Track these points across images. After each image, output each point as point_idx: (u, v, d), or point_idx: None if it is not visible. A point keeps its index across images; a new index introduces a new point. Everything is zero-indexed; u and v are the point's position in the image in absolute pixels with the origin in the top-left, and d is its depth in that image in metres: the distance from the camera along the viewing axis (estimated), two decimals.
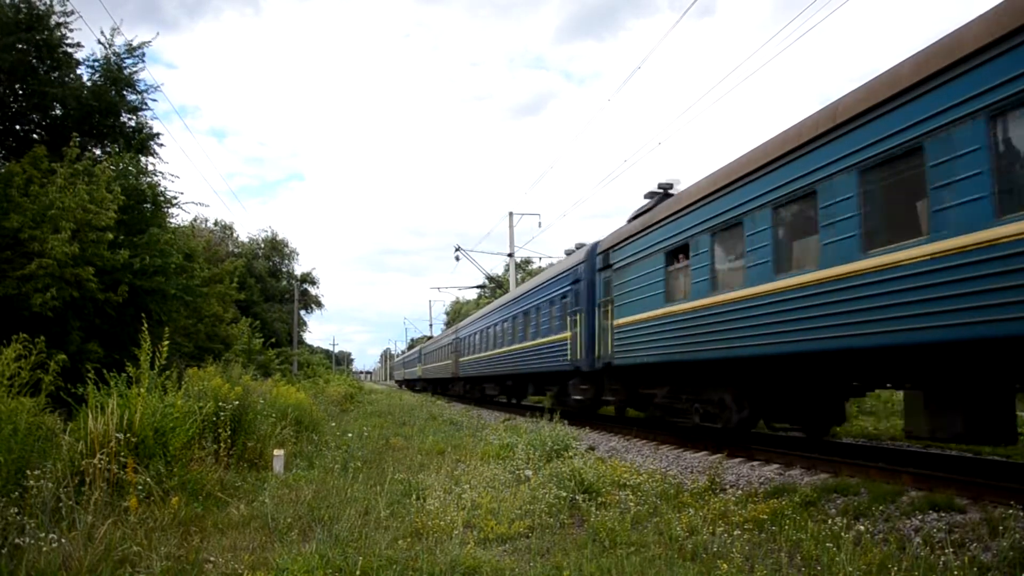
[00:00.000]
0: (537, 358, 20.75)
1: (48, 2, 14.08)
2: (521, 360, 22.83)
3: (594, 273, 16.31)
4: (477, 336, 31.35)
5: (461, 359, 35.17)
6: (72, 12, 14.38)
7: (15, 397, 6.50)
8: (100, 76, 15.27)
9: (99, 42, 15.63)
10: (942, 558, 5.03)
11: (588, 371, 16.28)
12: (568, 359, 17.38)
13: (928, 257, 6.74)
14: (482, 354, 29.65)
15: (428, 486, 7.78)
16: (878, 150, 7.44)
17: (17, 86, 14.26)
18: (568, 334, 17.47)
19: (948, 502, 6.72)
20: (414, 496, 7.24)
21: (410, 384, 67.74)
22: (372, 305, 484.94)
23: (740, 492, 7.96)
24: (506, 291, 37.66)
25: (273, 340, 36.26)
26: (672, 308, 11.98)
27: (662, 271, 12.46)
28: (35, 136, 15.07)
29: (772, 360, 9.51)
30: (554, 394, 20.60)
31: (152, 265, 12.31)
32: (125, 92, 15.67)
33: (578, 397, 17.63)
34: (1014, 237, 5.86)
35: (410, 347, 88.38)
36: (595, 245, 16.61)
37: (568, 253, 20.58)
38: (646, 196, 15.01)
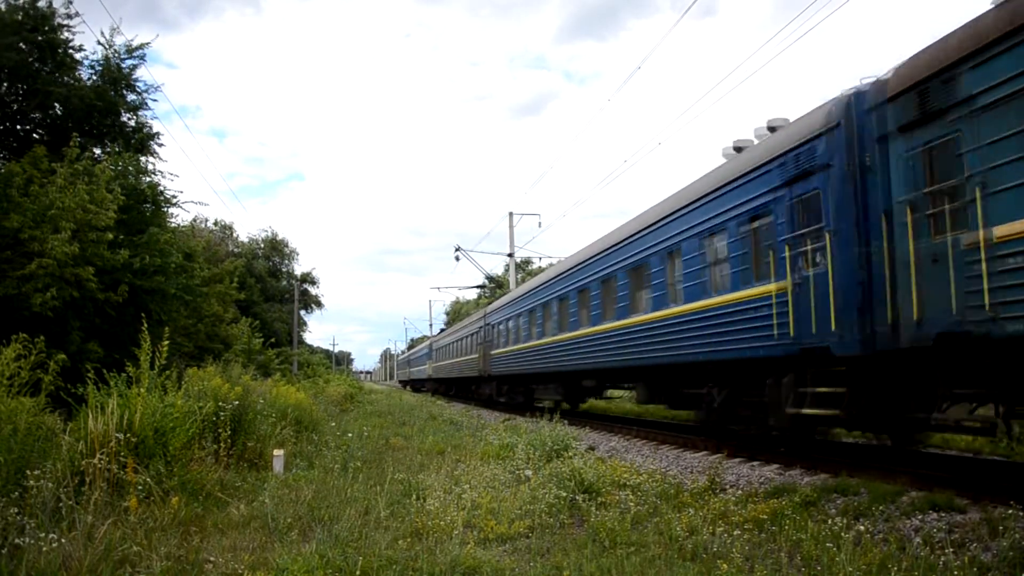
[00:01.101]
0: (671, 340, 12.22)
1: (50, 2, 14.10)
2: (626, 346, 14.11)
3: (866, 149, 8.08)
4: (523, 318, 22.87)
5: (494, 352, 26.94)
6: (76, 14, 14.41)
7: (15, 397, 6.51)
8: (100, 76, 15.28)
9: (99, 42, 15.65)
10: (942, 558, 5.03)
11: (850, 355, 8.10)
12: (787, 335, 9.05)
13: None
14: (534, 342, 21.30)
15: (428, 486, 7.78)
16: None
17: (19, 85, 14.27)
18: (774, 286, 9.36)
19: (948, 502, 6.73)
20: (414, 496, 7.24)
21: (416, 385, 60.92)
22: (372, 305, 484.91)
23: (740, 492, 7.96)
24: (506, 291, 35.59)
25: (273, 340, 36.24)
26: None
27: None
28: (35, 136, 15.07)
29: None
30: (719, 403, 11.33)
31: (152, 265, 12.32)
32: (125, 92, 15.68)
33: (813, 411, 8.84)
34: None
35: (410, 347, 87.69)
36: (861, 94, 8.28)
37: (737, 150, 11.53)
38: None
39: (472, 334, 32.44)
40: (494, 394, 29.07)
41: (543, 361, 20.34)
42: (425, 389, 52.44)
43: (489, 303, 34.06)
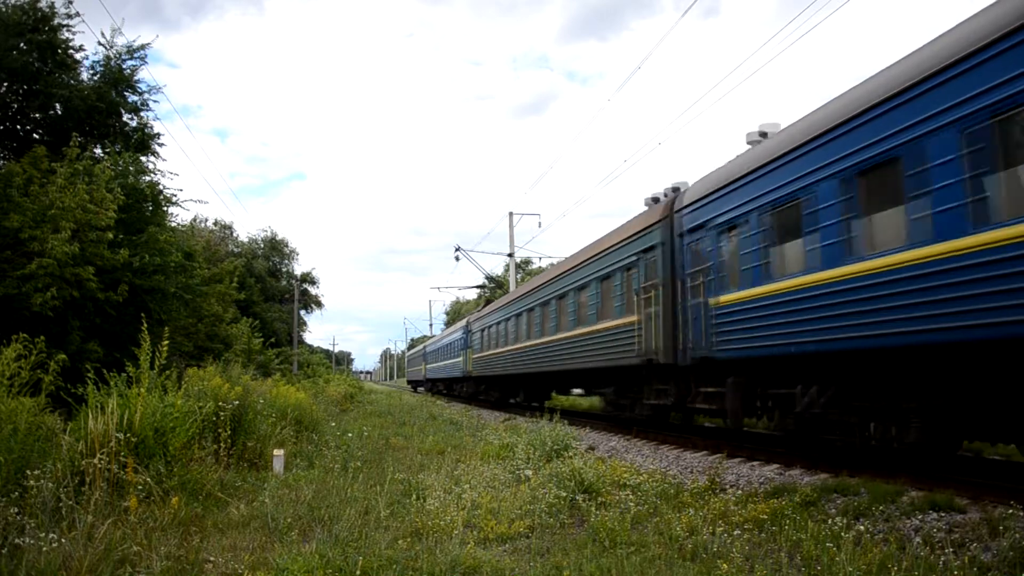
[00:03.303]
0: None
1: (50, 2, 14.09)
2: None
3: None
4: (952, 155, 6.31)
5: (725, 298, 10.42)
6: (76, 14, 14.39)
7: (15, 397, 6.51)
8: (101, 77, 15.27)
9: (99, 43, 15.64)
10: (942, 558, 5.03)
11: None
12: None
13: None
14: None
15: (428, 486, 7.78)
16: None
17: (20, 86, 14.25)
18: None
19: (948, 502, 6.72)
20: (414, 496, 7.24)
21: (440, 388, 43.15)
22: (372, 305, 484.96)
23: (740, 492, 7.96)
24: (507, 291, 33.96)
25: (273, 340, 36.24)
26: None
27: None
28: (35, 136, 15.06)
29: None
30: None
31: (152, 264, 12.31)
32: (126, 93, 15.67)
33: None
34: None
35: (410, 347, 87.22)
36: None
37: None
38: None
39: (616, 269, 14.73)
40: (736, 409, 10.80)
41: None
42: (464, 392, 34.50)
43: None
